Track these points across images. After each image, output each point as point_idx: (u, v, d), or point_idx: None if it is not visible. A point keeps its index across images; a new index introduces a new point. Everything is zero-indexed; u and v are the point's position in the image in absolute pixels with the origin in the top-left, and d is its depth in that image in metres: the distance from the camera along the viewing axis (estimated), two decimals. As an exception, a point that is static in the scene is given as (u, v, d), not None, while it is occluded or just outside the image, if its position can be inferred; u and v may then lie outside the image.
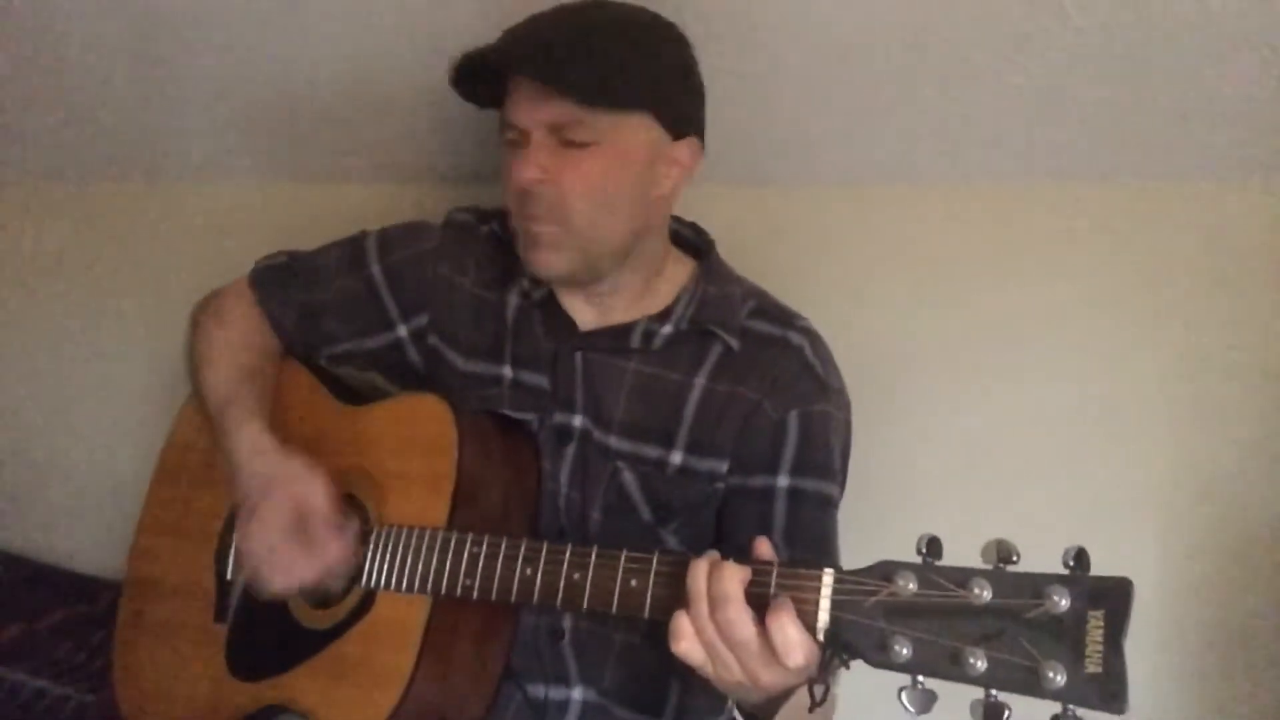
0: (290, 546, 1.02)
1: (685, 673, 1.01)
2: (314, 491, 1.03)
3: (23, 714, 1.31)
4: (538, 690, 1.11)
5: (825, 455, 1.10)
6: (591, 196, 1.01)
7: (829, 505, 1.10)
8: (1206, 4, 1.10)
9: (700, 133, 1.09)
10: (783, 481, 1.08)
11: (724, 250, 1.22)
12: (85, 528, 1.81)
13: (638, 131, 1.02)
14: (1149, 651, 1.32)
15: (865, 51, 1.26)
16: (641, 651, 1.11)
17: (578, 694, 1.11)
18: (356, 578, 1.06)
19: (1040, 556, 0.72)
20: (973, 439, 1.40)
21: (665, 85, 1.04)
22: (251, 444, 1.08)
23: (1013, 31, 1.19)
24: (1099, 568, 0.70)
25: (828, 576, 0.76)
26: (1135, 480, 1.34)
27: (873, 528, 1.21)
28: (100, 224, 1.86)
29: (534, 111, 1.00)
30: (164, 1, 1.39)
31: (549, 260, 1.05)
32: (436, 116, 1.52)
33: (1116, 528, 1.32)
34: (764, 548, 0.81)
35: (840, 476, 1.13)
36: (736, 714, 0.87)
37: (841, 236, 1.47)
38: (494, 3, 1.27)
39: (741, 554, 0.83)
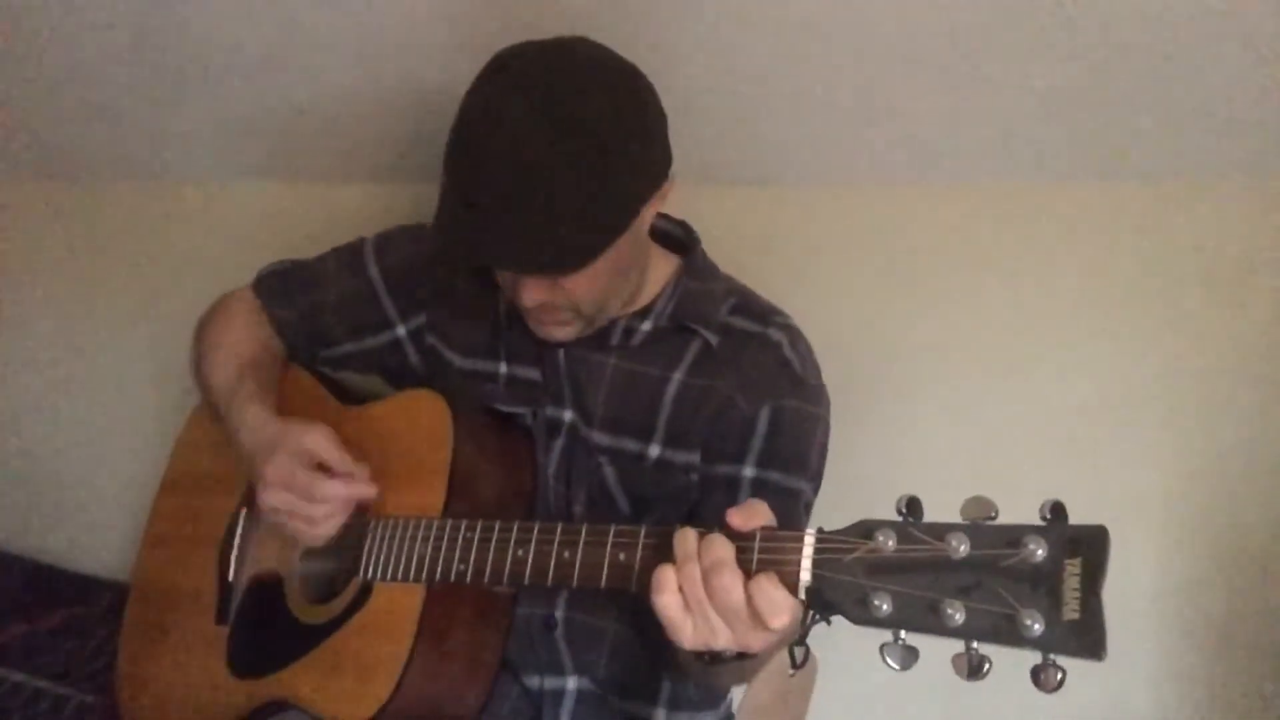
0: (309, 489, 1.03)
1: (671, 662, 1.01)
2: (313, 439, 1.04)
3: (23, 714, 1.31)
4: (533, 680, 1.11)
5: (796, 451, 1.09)
6: (601, 294, 1.04)
7: (796, 498, 1.09)
8: (1206, 4, 1.10)
9: (668, 169, 1.03)
10: (748, 472, 1.07)
11: (719, 250, 1.22)
12: (85, 528, 1.81)
13: (624, 238, 0.99)
14: (1148, 651, 1.31)
15: (865, 51, 1.27)
16: (634, 641, 1.12)
17: (573, 683, 1.11)
18: (355, 569, 1.07)
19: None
20: (971, 438, 1.40)
21: (645, 172, 0.99)
22: (252, 424, 1.10)
23: (1013, 32, 1.19)
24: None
25: (809, 536, 0.77)
26: (1134, 480, 1.33)
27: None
28: (101, 224, 1.87)
29: (521, 281, 1.01)
30: (165, 2, 1.42)
31: (560, 335, 1.09)
32: (437, 118, 1.53)
33: (1115, 527, 1.28)
34: (737, 518, 0.79)
35: (813, 474, 1.12)
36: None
37: (841, 236, 1.48)
38: (495, 3, 1.31)
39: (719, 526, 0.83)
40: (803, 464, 1.09)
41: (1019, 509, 1.30)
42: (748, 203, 1.50)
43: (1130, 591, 1.29)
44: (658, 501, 1.10)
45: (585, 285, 1.01)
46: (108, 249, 1.87)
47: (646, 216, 1.03)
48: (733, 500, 1.06)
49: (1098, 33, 1.17)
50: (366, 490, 1.05)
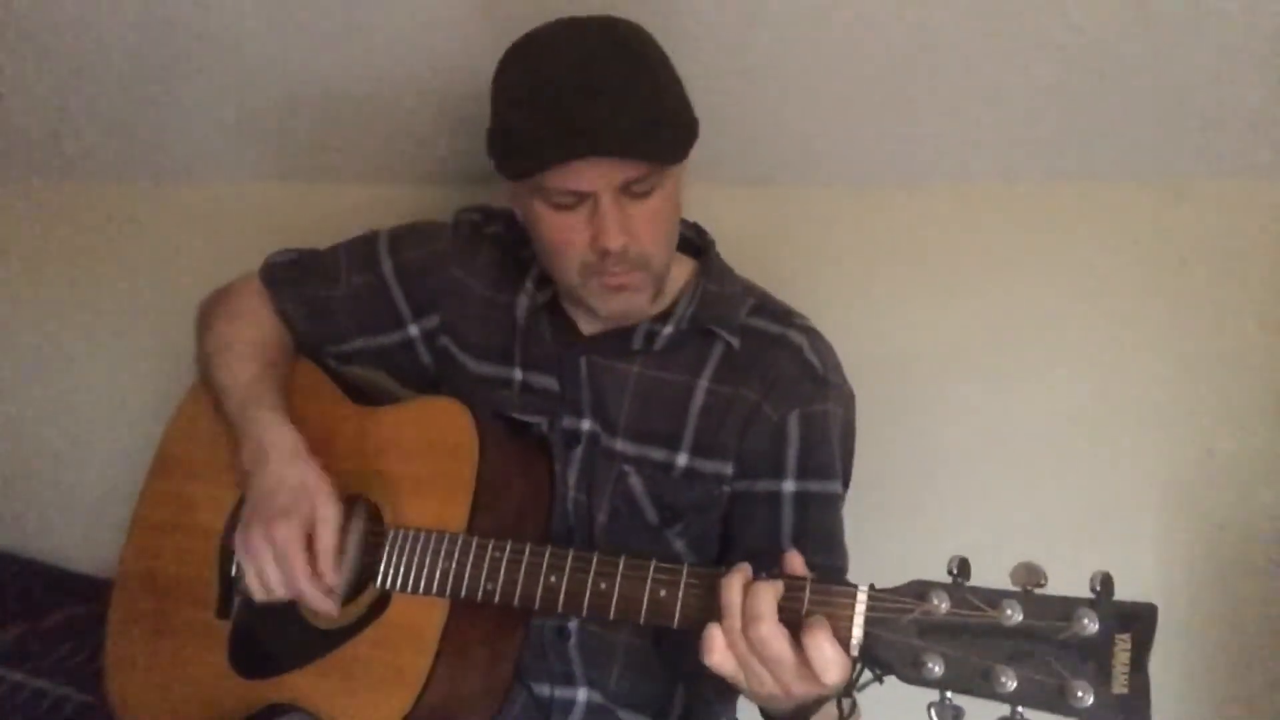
0: (291, 565, 1.01)
1: (696, 679, 1.04)
2: (329, 522, 1.03)
3: (23, 714, 1.30)
4: (543, 689, 1.12)
5: (827, 455, 1.11)
6: (664, 239, 1.05)
7: (834, 503, 1.12)
8: (1206, 4, 1.12)
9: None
10: (789, 486, 1.09)
11: (724, 250, 1.23)
12: (85, 528, 1.79)
13: (681, 166, 1.04)
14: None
15: (866, 51, 1.27)
16: (646, 654, 1.13)
17: (582, 695, 1.12)
18: (370, 577, 1.06)
19: (1040, 556, 0.75)
20: (972, 438, 1.42)
21: (691, 117, 1.05)
22: (283, 446, 1.07)
23: (1013, 32, 1.20)
24: (1098, 566, 0.73)
25: (861, 594, 0.78)
26: (1135, 479, 1.36)
27: (875, 526, 1.24)
28: (101, 224, 1.84)
29: (606, 177, 0.98)
30: (167, 2, 1.38)
31: (636, 304, 1.08)
32: (439, 117, 1.52)
33: (1116, 527, 1.35)
34: (796, 562, 0.83)
35: (844, 472, 1.15)
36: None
37: (841, 236, 1.49)
38: (496, 3, 1.28)
39: (752, 558, 0.85)
40: (835, 467, 1.12)
41: (1018, 508, 1.35)
42: (748, 203, 1.50)
43: (1129, 592, 1.31)
44: (686, 511, 1.11)
45: (654, 224, 1.02)
46: (108, 250, 1.84)
47: (683, 178, 1.06)
48: (776, 516, 1.09)
49: (1098, 33, 1.18)
50: (323, 602, 1.03)
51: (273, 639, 1.12)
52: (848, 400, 1.16)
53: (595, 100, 0.95)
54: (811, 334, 1.15)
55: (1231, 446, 1.33)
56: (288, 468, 1.05)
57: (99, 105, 1.62)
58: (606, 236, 0.99)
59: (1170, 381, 1.35)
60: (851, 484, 1.18)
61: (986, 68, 1.25)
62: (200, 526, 1.22)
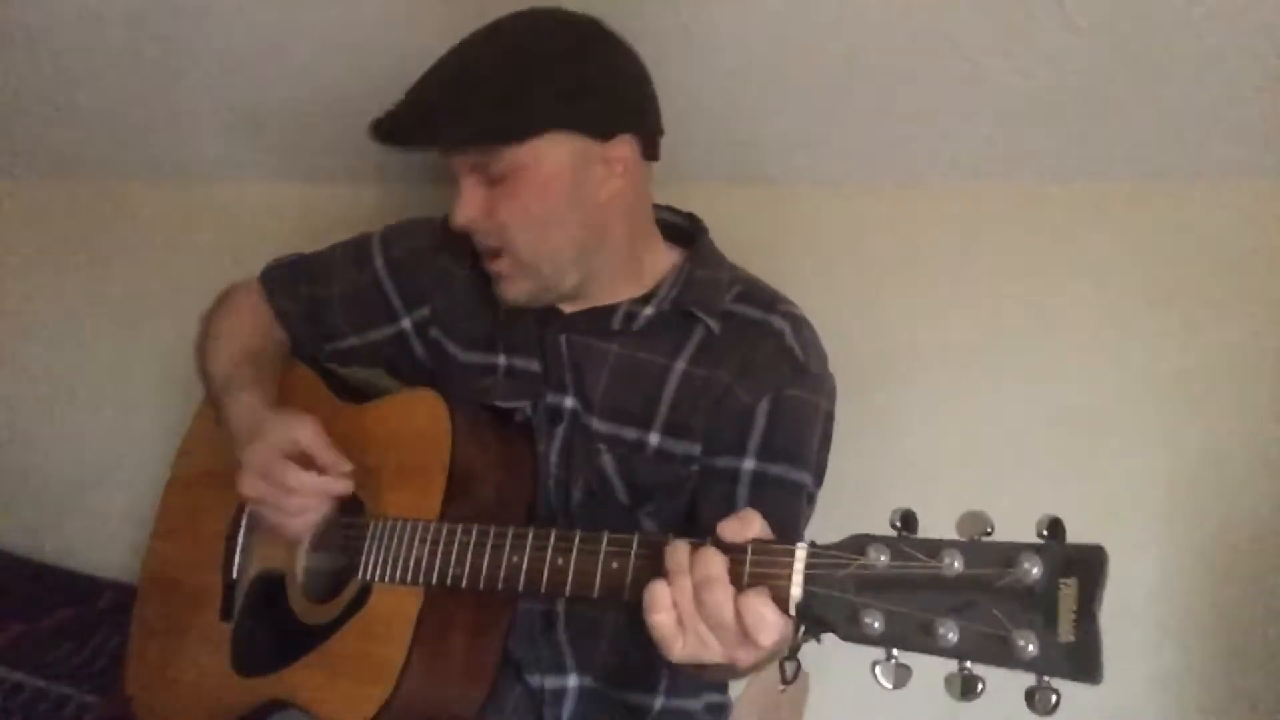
0: (284, 476, 1.01)
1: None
2: (299, 429, 1.03)
3: (23, 714, 1.33)
4: (535, 679, 1.11)
5: (797, 441, 1.08)
6: (526, 224, 1.04)
7: (798, 492, 1.07)
8: (1205, 4, 1.09)
9: (636, 128, 1.07)
10: (748, 464, 1.06)
11: (723, 249, 1.21)
12: (85, 528, 1.83)
13: (552, 149, 1.02)
14: (1147, 651, 1.30)
15: (866, 51, 1.26)
16: (632, 631, 1.10)
17: (573, 681, 1.11)
18: (353, 570, 1.07)
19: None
20: (971, 438, 1.40)
21: (569, 97, 1.01)
22: (245, 411, 1.09)
23: (1012, 31, 1.19)
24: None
25: (800, 550, 0.75)
26: (1135, 479, 1.32)
27: (873, 526, 1.20)
28: (103, 224, 1.88)
29: (448, 157, 1.05)
30: (170, 3, 1.42)
31: (511, 291, 1.10)
32: None
33: (1116, 526, 1.30)
34: (729, 529, 0.78)
35: (816, 465, 1.11)
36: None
37: (841, 236, 1.47)
38: (496, 5, 1.30)
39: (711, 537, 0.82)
40: (804, 456, 1.08)
41: (1016, 508, 1.28)
42: (748, 203, 1.50)
43: (1127, 592, 1.27)
44: (656, 491, 1.09)
45: (510, 207, 1.03)
46: (110, 249, 1.89)
47: (591, 175, 1.04)
48: (731, 493, 1.06)
49: (1097, 32, 1.16)
50: (342, 486, 1.03)
51: (268, 637, 1.14)
52: (829, 392, 1.12)
53: (418, 86, 1.03)
54: (796, 320, 1.12)
55: (1231, 446, 1.29)
56: (251, 419, 1.08)
57: (104, 105, 1.66)
58: (454, 210, 1.05)
59: (1170, 381, 1.32)
60: (847, 483, 1.16)
61: (985, 68, 1.24)
62: (207, 532, 1.25)
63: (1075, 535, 1.02)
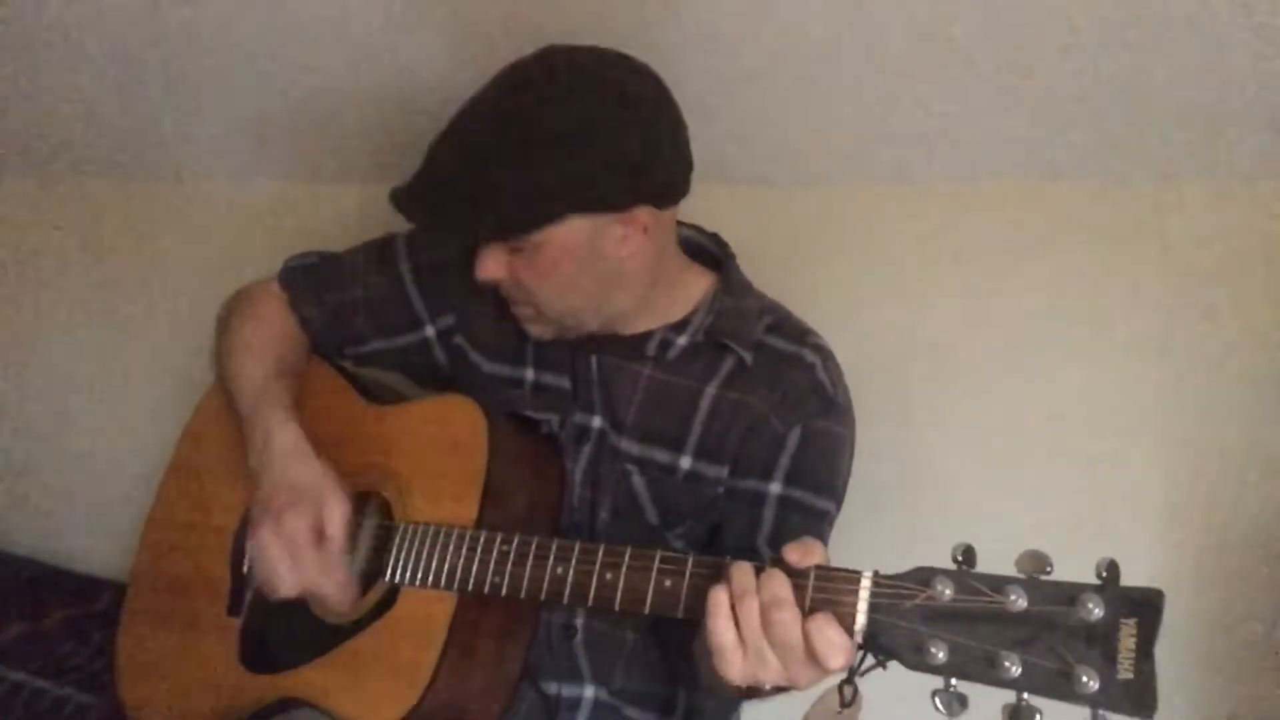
0: (302, 558, 1.02)
1: (693, 677, 1.03)
2: (337, 515, 1.03)
3: (23, 714, 1.30)
4: (550, 687, 1.12)
5: (825, 471, 1.11)
6: (548, 287, 1.06)
7: (821, 518, 1.11)
8: (1205, 3, 1.12)
9: (653, 199, 1.04)
10: (775, 488, 1.09)
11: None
12: (86, 528, 1.79)
13: (568, 232, 1.01)
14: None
15: (866, 51, 1.28)
16: (652, 651, 1.13)
17: (589, 692, 1.12)
18: (379, 571, 1.07)
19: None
20: (972, 438, 1.42)
21: (581, 182, 0.98)
22: (288, 445, 1.08)
23: (1013, 31, 1.21)
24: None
25: (865, 579, 0.78)
26: (1136, 479, 1.36)
27: (873, 526, 1.25)
28: (103, 225, 1.86)
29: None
30: (173, 3, 1.40)
31: (535, 330, 1.14)
32: (437, 118, 1.52)
33: (1116, 527, 1.34)
34: (794, 555, 0.81)
35: (838, 495, 1.14)
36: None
37: (841, 236, 1.50)
38: (496, 4, 1.30)
39: (736, 555, 0.85)
40: (830, 484, 1.12)
41: (1017, 509, 1.35)
42: (748, 203, 1.51)
43: None
44: (687, 514, 1.11)
45: (531, 273, 1.05)
46: (110, 250, 1.86)
47: (610, 238, 1.03)
48: (757, 516, 1.09)
49: (1097, 33, 1.18)
50: (336, 592, 1.03)
51: (282, 635, 1.13)
52: (851, 424, 1.16)
53: (428, 166, 1.04)
54: (825, 354, 1.15)
55: (1231, 446, 1.32)
56: (297, 466, 1.06)
57: (106, 106, 1.64)
58: (477, 269, 1.07)
59: (1170, 380, 1.35)
60: (848, 483, 1.17)
61: (985, 67, 1.26)
62: (213, 526, 1.23)
63: (1075, 535, 1.08)
